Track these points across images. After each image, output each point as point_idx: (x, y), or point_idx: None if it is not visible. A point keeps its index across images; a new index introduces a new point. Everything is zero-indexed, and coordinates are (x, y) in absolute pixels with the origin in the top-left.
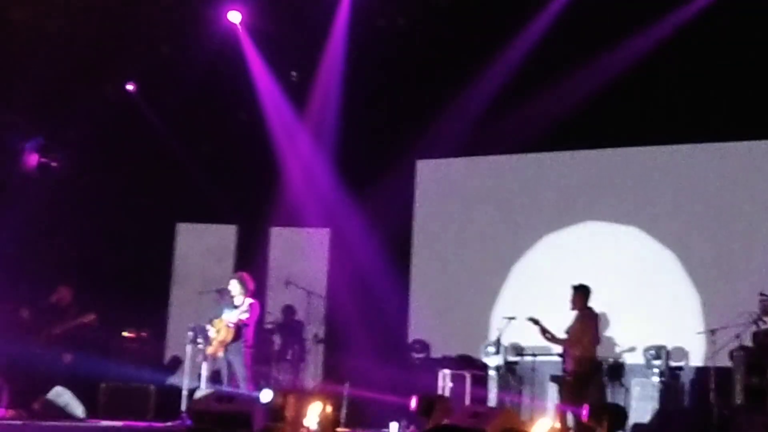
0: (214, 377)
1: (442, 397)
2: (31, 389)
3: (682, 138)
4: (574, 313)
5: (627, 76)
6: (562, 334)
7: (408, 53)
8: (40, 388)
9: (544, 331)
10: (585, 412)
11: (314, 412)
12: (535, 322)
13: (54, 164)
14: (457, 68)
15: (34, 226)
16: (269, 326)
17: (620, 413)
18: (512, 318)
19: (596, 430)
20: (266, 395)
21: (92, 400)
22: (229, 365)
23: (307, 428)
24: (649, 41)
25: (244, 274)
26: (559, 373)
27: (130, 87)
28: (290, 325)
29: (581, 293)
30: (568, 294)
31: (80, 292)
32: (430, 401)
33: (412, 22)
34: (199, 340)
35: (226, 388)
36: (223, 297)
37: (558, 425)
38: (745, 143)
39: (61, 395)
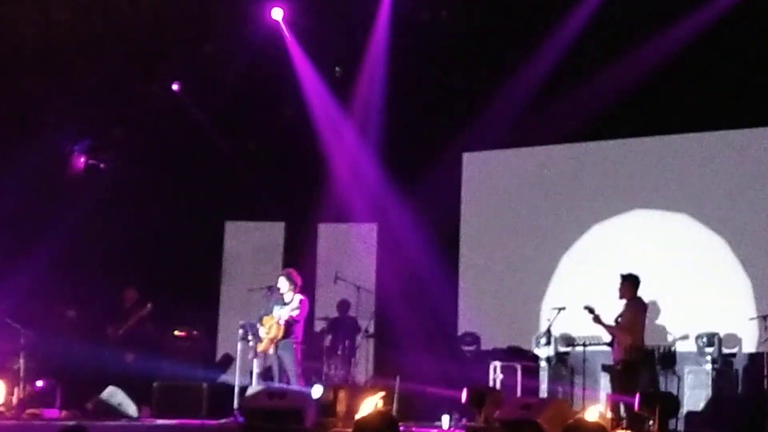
0: (266, 374)
1: (493, 389)
2: (84, 390)
3: (730, 123)
4: (622, 303)
5: (675, 60)
6: (612, 324)
7: (451, 45)
8: (93, 389)
9: (598, 320)
10: (637, 401)
11: (366, 406)
12: (590, 310)
13: (102, 166)
14: (501, 59)
15: (83, 228)
16: (320, 322)
17: (672, 401)
18: (562, 308)
19: (648, 419)
20: (317, 391)
21: (145, 398)
22: (280, 362)
23: None
24: (697, 24)
25: (292, 271)
26: (610, 362)
27: (175, 86)
28: (342, 321)
29: (630, 282)
30: (618, 283)
31: (126, 287)
32: (481, 393)
33: (455, 13)
34: (250, 338)
35: (277, 384)
36: (273, 294)
37: (610, 414)
38: None
39: (114, 395)
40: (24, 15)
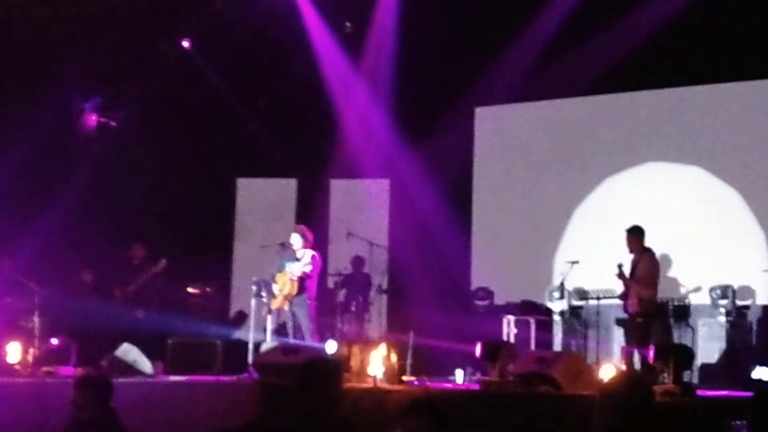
0: (280, 330)
1: (506, 342)
2: (99, 347)
3: (744, 75)
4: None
5: (687, 11)
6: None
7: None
8: (107, 346)
9: (622, 275)
10: (651, 353)
11: (379, 360)
12: (619, 266)
13: (113, 123)
14: (511, 13)
15: (94, 187)
16: (333, 278)
17: (687, 354)
18: (575, 262)
19: (663, 371)
20: (331, 346)
21: (160, 355)
22: (294, 318)
23: (374, 377)
24: None
25: (304, 227)
26: (623, 316)
27: (185, 43)
28: (355, 277)
29: (636, 235)
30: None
31: (148, 249)
32: (495, 347)
33: None
34: (263, 294)
35: (291, 340)
36: (286, 250)
37: (624, 367)
38: None
39: (129, 352)
40: None
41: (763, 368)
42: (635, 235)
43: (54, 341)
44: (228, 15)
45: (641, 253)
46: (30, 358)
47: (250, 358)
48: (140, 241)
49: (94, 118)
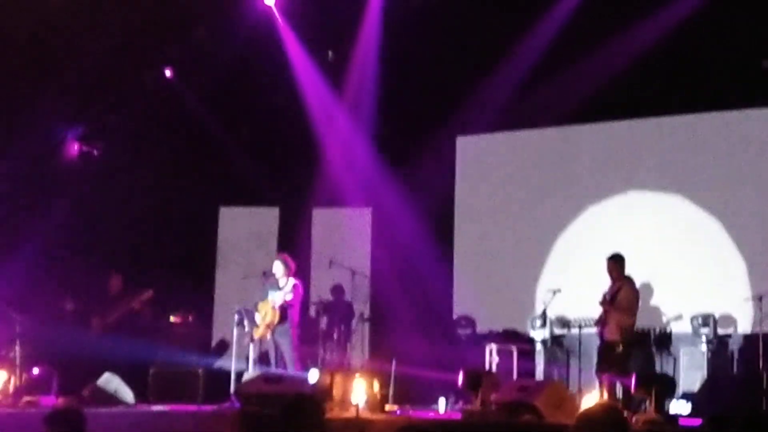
0: (262, 359)
1: (488, 371)
2: (80, 377)
3: (724, 104)
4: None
5: (665, 42)
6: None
7: (444, 28)
8: (89, 375)
9: (604, 301)
10: (633, 382)
11: (361, 390)
12: (604, 296)
13: (95, 152)
14: (493, 42)
15: (77, 216)
16: (315, 306)
17: (668, 383)
18: (558, 290)
19: (645, 400)
20: (314, 375)
21: (141, 385)
22: (276, 347)
23: (356, 407)
24: (685, 7)
25: (286, 255)
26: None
27: (168, 72)
28: (337, 305)
29: (617, 262)
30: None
31: (126, 279)
32: (477, 376)
33: None
34: (245, 323)
35: (273, 369)
36: (268, 279)
37: (605, 396)
38: None
39: (110, 381)
40: (18, 3)
41: (681, 401)
42: (616, 262)
43: (35, 371)
44: (210, 44)
45: (621, 280)
46: (11, 387)
47: (232, 387)
48: (118, 272)
49: (76, 146)
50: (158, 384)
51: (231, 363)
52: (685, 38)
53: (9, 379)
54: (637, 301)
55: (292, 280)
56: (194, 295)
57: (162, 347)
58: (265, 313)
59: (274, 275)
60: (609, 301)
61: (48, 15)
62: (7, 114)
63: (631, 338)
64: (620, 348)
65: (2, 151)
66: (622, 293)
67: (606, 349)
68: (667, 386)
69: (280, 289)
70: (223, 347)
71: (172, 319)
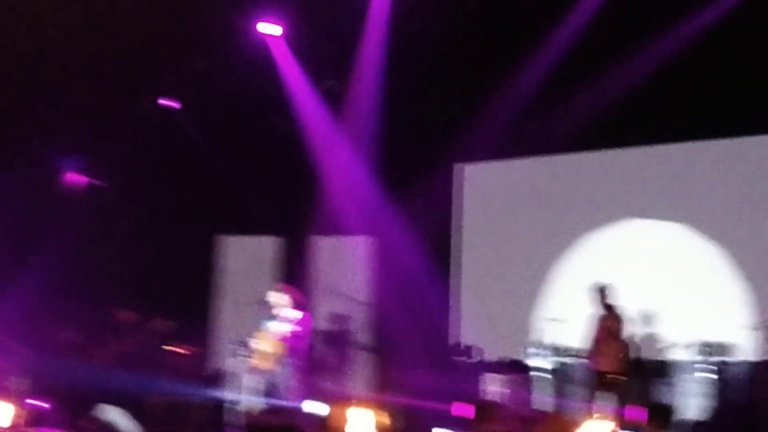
0: (264, 390)
1: (489, 401)
2: (79, 408)
3: (725, 132)
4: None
5: (668, 69)
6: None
7: (443, 57)
8: (88, 407)
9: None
10: (643, 413)
11: (364, 421)
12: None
13: (95, 182)
14: (492, 71)
15: (76, 246)
16: (316, 336)
17: (667, 412)
18: (556, 319)
19: (645, 430)
20: (316, 406)
21: (138, 415)
22: (279, 378)
23: None
24: (690, 32)
25: (290, 287)
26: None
27: (167, 102)
28: (338, 335)
29: (606, 291)
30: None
31: (125, 308)
32: (478, 408)
33: (447, 24)
34: (244, 354)
35: (275, 401)
36: (267, 309)
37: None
38: None
39: (108, 412)
40: (16, 34)
41: None
42: (606, 291)
43: (35, 402)
44: (210, 73)
45: (610, 309)
46: (11, 420)
47: (229, 418)
48: (124, 304)
49: (76, 176)
50: (154, 415)
51: (228, 394)
52: (684, 65)
53: (14, 411)
54: (625, 330)
55: (299, 312)
56: (193, 324)
57: (159, 377)
58: (265, 343)
59: (274, 306)
60: (607, 332)
61: (48, 46)
62: (6, 146)
63: (625, 368)
64: (621, 378)
65: (1, 182)
66: (616, 323)
67: (603, 379)
68: (665, 415)
69: (280, 319)
70: (221, 377)
71: (168, 348)
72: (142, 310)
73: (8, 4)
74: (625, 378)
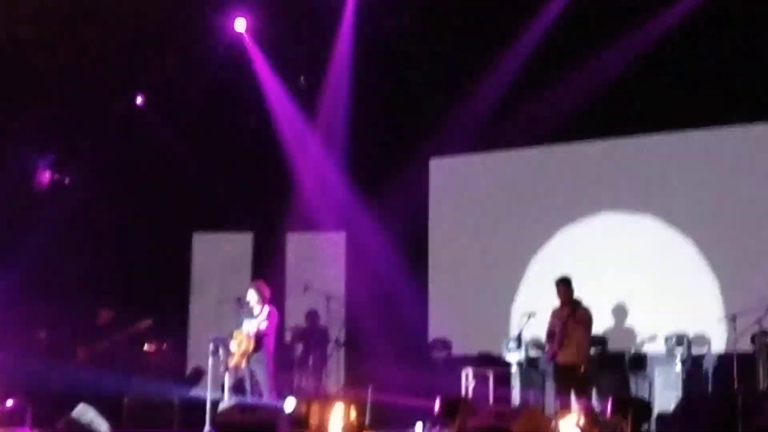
0: (237, 388)
1: (465, 398)
2: (54, 408)
3: (695, 123)
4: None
5: (640, 61)
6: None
7: (415, 51)
8: (63, 407)
9: (568, 322)
10: (609, 406)
11: (338, 417)
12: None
13: (66, 180)
14: (465, 64)
15: (49, 245)
16: (290, 332)
17: (644, 406)
18: (532, 314)
19: (621, 424)
20: (290, 403)
21: (116, 415)
22: (252, 375)
23: None
24: (661, 24)
25: (260, 283)
26: None
27: (139, 99)
28: (312, 331)
29: (569, 285)
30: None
31: (100, 308)
32: (454, 404)
33: (418, 19)
34: (221, 352)
35: (249, 398)
36: (242, 307)
37: (582, 421)
38: (762, 126)
39: (85, 413)
40: None
41: None
42: (569, 284)
43: (9, 402)
44: (181, 70)
45: (573, 302)
46: None
47: (207, 417)
48: (106, 306)
49: (47, 174)
50: (133, 414)
51: (206, 392)
52: (656, 58)
53: None
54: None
55: (267, 308)
56: (168, 322)
57: (136, 376)
58: (240, 341)
59: (248, 303)
60: (571, 325)
61: (21, 44)
62: None
63: (587, 359)
64: (582, 369)
65: None
66: (582, 314)
67: (568, 371)
68: (643, 409)
69: (254, 316)
70: (198, 375)
71: (146, 347)
72: (120, 309)
73: None
74: (585, 369)
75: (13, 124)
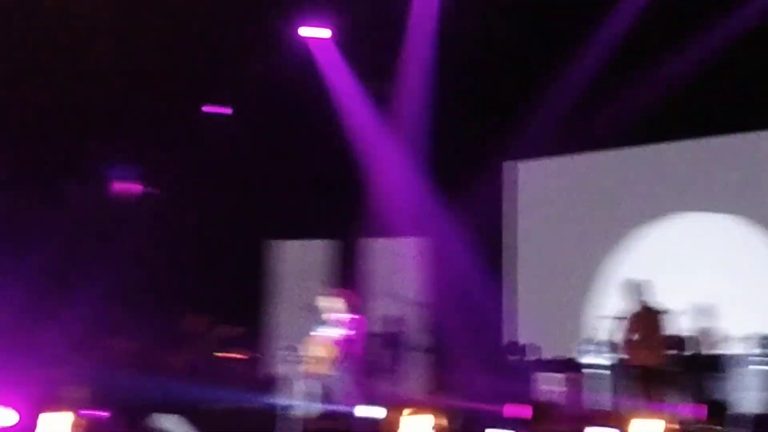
0: (319, 395)
1: (545, 403)
2: (135, 417)
3: None
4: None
5: (716, 61)
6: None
7: (492, 55)
8: (144, 416)
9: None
10: (702, 409)
11: (420, 424)
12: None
13: (153, 191)
14: (543, 67)
15: (131, 255)
16: (371, 339)
17: (723, 408)
18: (610, 317)
19: (703, 426)
20: (372, 410)
21: (195, 423)
22: (334, 382)
23: None
24: (737, 25)
25: (345, 290)
26: None
27: (218, 109)
28: (393, 337)
29: (642, 289)
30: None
31: (179, 316)
32: (535, 408)
33: (495, 22)
34: (295, 359)
35: (331, 405)
36: (320, 314)
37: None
38: None
39: (165, 421)
40: (68, 46)
41: None
42: (644, 288)
43: (92, 412)
44: (260, 79)
45: (651, 305)
46: (69, 429)
47: (279, 424)
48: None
49: (130, 186)
50: (211, 422)
51: (282, 400)
52: (733, 57)
53: (72, 421)
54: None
55: (352, 316)
56: (246, 330)
57: (213, 384)
58: (320, 348)
59: (325, 310)
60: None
61: (98, 58)
62: (66, 158)
63: (669, 360)
64: (668, 373)
65: (62, 194)
66: (659, 316)
67: (652, 375)
68: (719, 410)
69: (335, 323)
70: (276, 383)
71: (222, 355)
72: (205, 317)
73: (60, 17)
74: (672, 373)
75: (96, 135)
